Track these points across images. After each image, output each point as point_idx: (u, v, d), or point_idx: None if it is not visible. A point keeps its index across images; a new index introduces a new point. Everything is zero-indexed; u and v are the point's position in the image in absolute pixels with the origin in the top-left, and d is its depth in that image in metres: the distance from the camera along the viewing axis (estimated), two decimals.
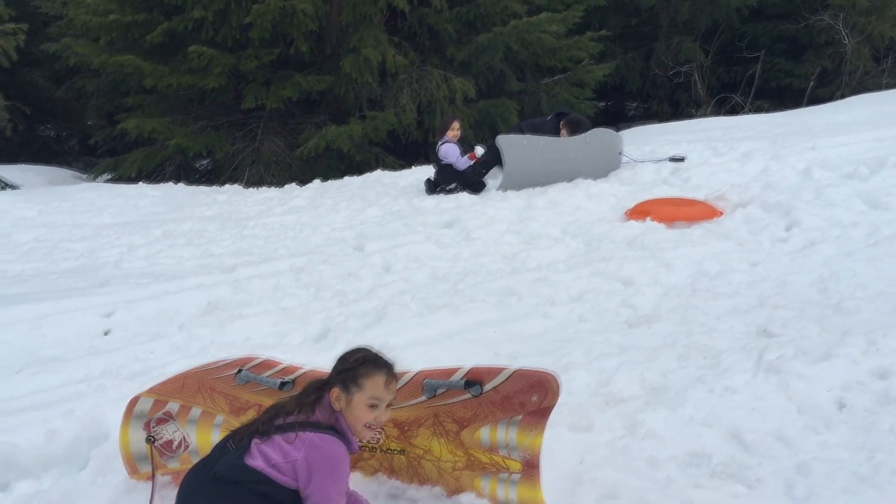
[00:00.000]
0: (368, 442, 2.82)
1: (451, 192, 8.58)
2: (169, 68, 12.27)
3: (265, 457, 2.33)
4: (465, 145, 9.19)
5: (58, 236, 7.47)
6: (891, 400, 3.38)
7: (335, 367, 2.52)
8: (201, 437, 2.90)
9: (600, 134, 8.90)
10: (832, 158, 8.03)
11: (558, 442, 3.22)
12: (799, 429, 3.24)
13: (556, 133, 8.98)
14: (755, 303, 4.71)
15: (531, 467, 2.55)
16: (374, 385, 2.44)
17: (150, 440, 2.84)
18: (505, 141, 8.41)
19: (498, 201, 7.74)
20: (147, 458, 2.82)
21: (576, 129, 8.93)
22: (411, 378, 2.70)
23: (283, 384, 2.79)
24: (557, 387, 2.51)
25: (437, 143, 9.08)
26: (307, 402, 2.44)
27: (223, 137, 12.95)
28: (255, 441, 2.37)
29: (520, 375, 2.56)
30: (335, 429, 2.42)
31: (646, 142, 10.97)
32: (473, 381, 2.62)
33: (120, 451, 2.93)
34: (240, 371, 2.84)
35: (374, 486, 2.79)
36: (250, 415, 2.96)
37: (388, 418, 2.49)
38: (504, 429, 2.58)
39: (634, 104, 24.14)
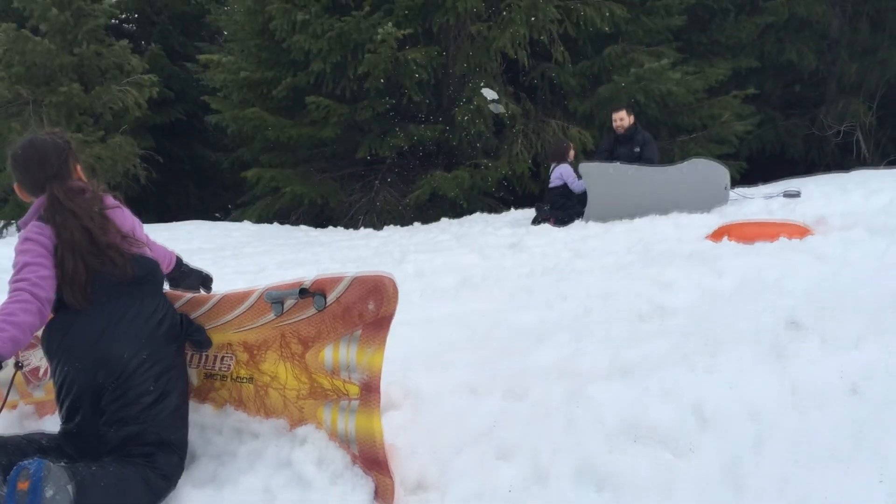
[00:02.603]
0: (219, 369, 2.51)
1: (541, 221, 8.12)
2: (292, 121, 12.80)
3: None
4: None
5: None
6: None
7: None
8: None
9: (699, 165, 8.22)
10: None
11: (478, 407, 2.77)
12: (780, 406, 2.59)
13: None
14: (802, 302, 3.96)
15: (369, 391, 2.14)
16: None
17: (19, 366, 2.66)
18: (589, 169, 7.93)
19: (573, 228, 7.25)
20: (8, 385, 2.65)
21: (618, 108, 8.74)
22: (259, 295, 2.39)
23: None
24: (394, 290, 2.12)
25: (550, 168, 8.74)
26: None
27: (340, 188, 13.26)
28: None
29: (359, 282, 2.18)
30: None
31: (775, 188, 10.07)
32: (315, 291, 2.26)
33: None
34: None
35: (221, 419, 2.47)
36: None
37: None
38: (346, 346, 2.20)
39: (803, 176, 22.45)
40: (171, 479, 2.22)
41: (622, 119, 8.59)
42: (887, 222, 5.91)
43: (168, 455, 2.22)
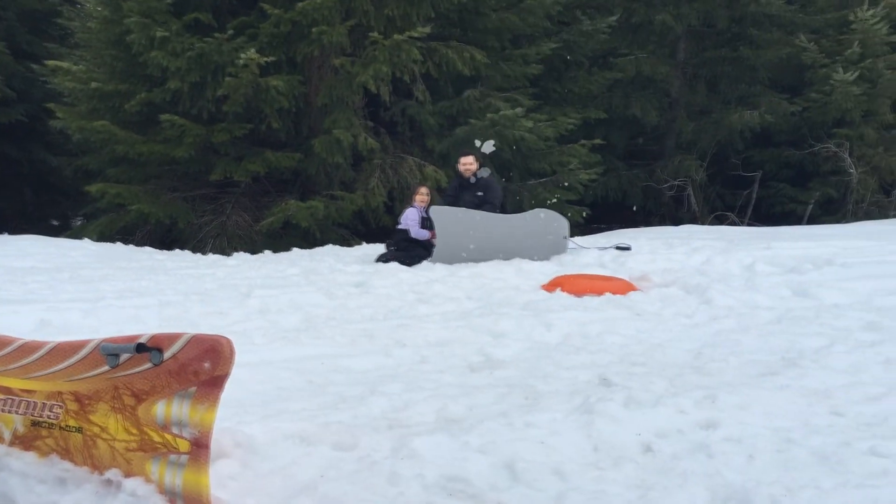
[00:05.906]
0: (47, 418, 2.51)
1: (387, 261, 8.31)
2: (143, 138, 12.44)
3: None
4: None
5: None
6: (703, 448, 3.00)
7: None
8: None
9: (542, 214, 8.71)
10: (783, 258, 7.63)
11: (308, 457, 2.90)
12: (581, 464, 2.88)
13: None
14: (616, 360, 4.37)
15: (199, 447, 2.23)
16: None
17: None
18: (439, 212, 8.24)
19: (420, 270, 7.50)
20: None
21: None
22: (93, 347, 2.42)
23: None
24: (231, 352, 2.23)
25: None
26: None
27: (191, 209, 12.98)
28: None
29: (196, 341, 2.27)
30: None
31: (609, 239, 10.81)
32: (153, 347, 2.33)
33: None
34: None
35: (45, 468, 2.47)
36: None
37: None
38: (179, 402, 2.28)
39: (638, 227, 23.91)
40: None
41: (470, 164, 8.93)
42: (701, 281, 6.53)
43: None
